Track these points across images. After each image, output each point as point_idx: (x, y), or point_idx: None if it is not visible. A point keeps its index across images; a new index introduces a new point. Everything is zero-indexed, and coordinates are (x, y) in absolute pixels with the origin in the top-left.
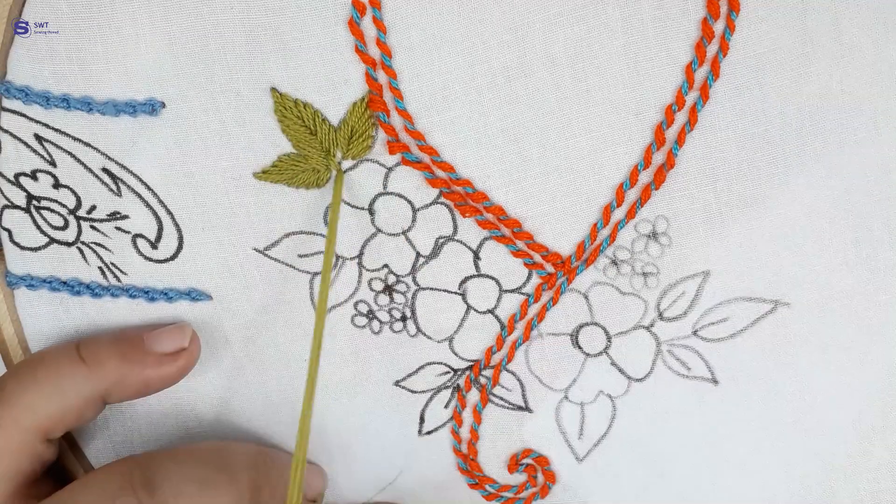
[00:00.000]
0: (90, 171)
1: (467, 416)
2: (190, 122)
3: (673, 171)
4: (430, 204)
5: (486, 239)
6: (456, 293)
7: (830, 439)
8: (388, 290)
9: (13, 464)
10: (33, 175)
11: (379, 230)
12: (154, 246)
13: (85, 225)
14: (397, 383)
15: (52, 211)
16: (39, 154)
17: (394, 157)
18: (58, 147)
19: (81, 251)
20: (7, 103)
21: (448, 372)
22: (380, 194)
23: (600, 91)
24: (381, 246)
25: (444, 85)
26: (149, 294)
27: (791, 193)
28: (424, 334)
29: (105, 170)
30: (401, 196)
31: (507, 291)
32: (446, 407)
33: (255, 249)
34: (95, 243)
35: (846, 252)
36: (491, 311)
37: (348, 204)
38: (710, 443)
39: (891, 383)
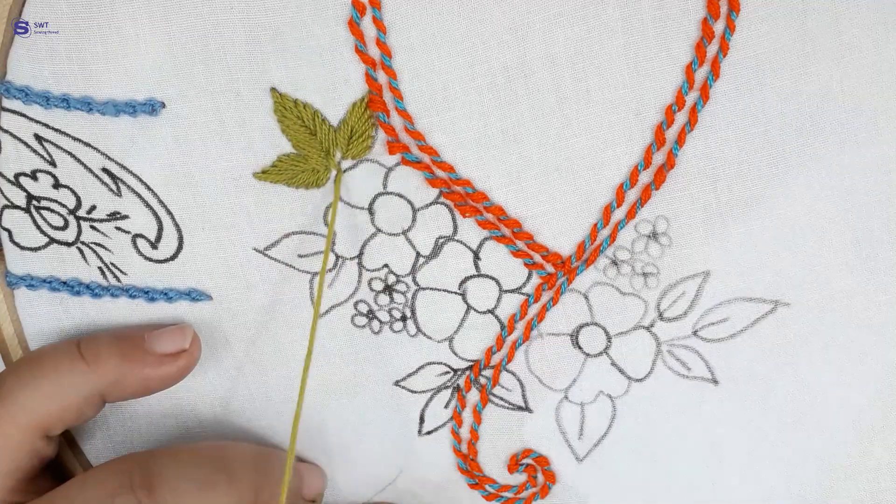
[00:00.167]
0: (90, 171)
1: (467, 416)
2: (190, 123)
3: (673, 172)
4: (430, 204)
5: (486, 239)
6: (456, 293)
7: (830, 439)
8: (388, 289)
9: (12, 460)
10: (33, 175)
11: (379, 230)
12: (154, 246)
13: (85, 225)
14: (397, 383)
15: (52, 211)
16: (39, 154)
17: (394, 157)
18: (58, 147)
19: (81, 251)
20: (7, 103)
21: (448, 372)
22: (380, 194)
23: (600, 91)
24: (381, 246)
25: (444, 85)
26: (149, 294)
27: (791, 193)
28: (424, 334)
29: (105, 170)
30: (401, 196)
31: (507, 291)
32: (446, 407)
33: (255, 249)
34: (95, 243)
35: (846, 252)
36: (491, 311)
37: (348, 204)
38: (710, 443)
39: (891, 383)
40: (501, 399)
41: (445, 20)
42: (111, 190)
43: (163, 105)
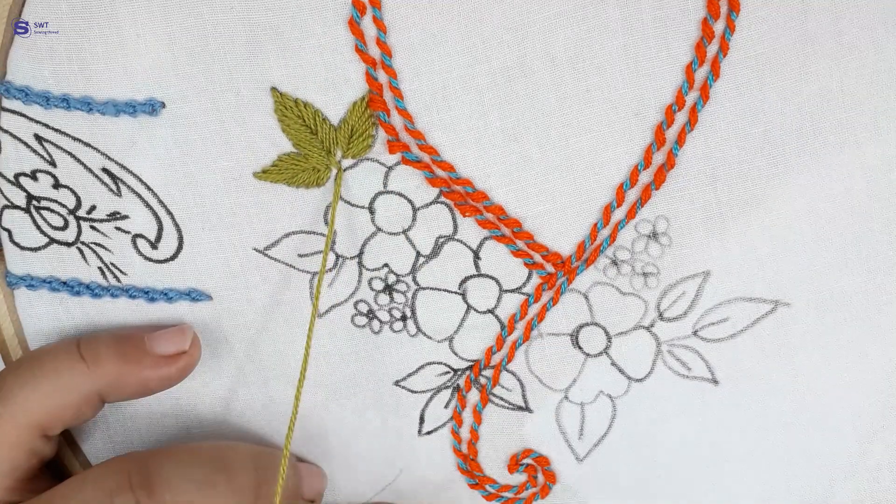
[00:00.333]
0: (90, 171)
1: (467, 416)
2: (190, 122)
3: (673, 172)
4: (431, 203)
5: (486, 239)
6: (456, 293)
7: (830, 439)
8: (389, 289)
9: (10, 459)
10: (33, 175)
11: (379, 229)
12: (154, 246)
13: (85, 225)
14: (397, 383)
15: (52, 211)
16: (39, 154)
17: (394, 156)
18: (58, 147)
19: (81, 251)
20: (7, 103)
21: (448, 372)
22: (380, 193)
23: (600, 91)
24: (381, 245)
25: (443, 84)
26: (149, 294)
27: (791, 193)
28: (424, 334)
29: (105, 170)
30: (401, 195)
31: (507, 291)
32: (446, 407)
33: (255, 249)
34: (95, 243)
35: (846, 252)
36: (491, 311)
37: (348, 203)
38: (709, 443)
39: (891, 383)
40: (501, 399)
41: (445, 20)
42: (111, 190)
43: (163, 105)
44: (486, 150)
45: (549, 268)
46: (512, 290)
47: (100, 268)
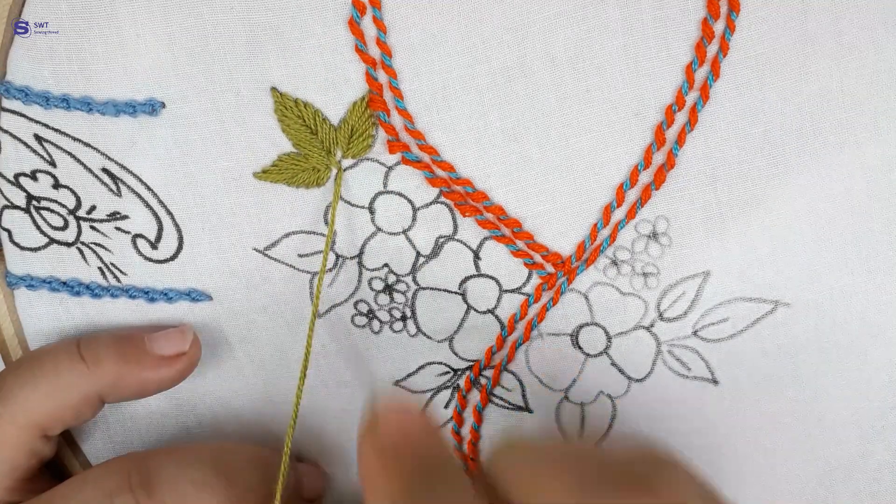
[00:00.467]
0: (90, 171)
1: (468, 416)
2: (190, 123)
3: (673, 172)
4: (431, 203)
5: (486, 239)
6: (456, 293)
7: (830, 439)
8: (389, 289)
9: (10, 459)
10: (33, 175)
11: (379, 229)
12: (154, 246)
13: (85, 225)
14: (397, 383)
15: (52, 211)
16: (39, 154)
17: (394, 156)
18: (57, 147)
19: (81, 251)
20: (7, 103)
21: (448, 372)
22: (380, 193)
23: (600, 91)
24: (381, 245)
25: (443, 84)
26: (149, 294)
27: (791, 193)
28: (424, 334)
29: (105, 170)
30: (401, 195)
31: (507, 291)
32: (446, 407)
33: (256, 249)
34: (95, 243)
35: (846, 252)
36: (491, 311)
37: (348, 203)
38: (709, 443)
39: (891, 383)
40: (502, 399)
41: (445, 20)
42: (111, 190)
43: (163, 105)
44: (486, 150)
45: (549, 268)
46: (512, 291)
47: (100, 268)
